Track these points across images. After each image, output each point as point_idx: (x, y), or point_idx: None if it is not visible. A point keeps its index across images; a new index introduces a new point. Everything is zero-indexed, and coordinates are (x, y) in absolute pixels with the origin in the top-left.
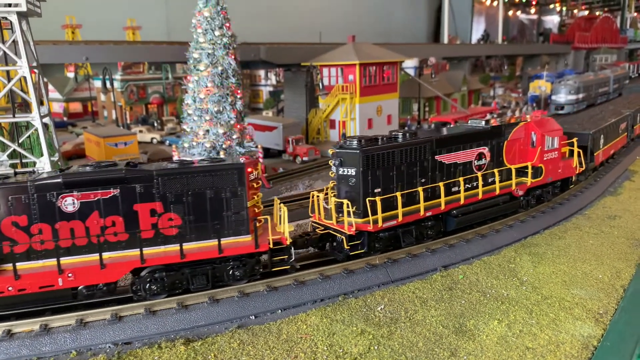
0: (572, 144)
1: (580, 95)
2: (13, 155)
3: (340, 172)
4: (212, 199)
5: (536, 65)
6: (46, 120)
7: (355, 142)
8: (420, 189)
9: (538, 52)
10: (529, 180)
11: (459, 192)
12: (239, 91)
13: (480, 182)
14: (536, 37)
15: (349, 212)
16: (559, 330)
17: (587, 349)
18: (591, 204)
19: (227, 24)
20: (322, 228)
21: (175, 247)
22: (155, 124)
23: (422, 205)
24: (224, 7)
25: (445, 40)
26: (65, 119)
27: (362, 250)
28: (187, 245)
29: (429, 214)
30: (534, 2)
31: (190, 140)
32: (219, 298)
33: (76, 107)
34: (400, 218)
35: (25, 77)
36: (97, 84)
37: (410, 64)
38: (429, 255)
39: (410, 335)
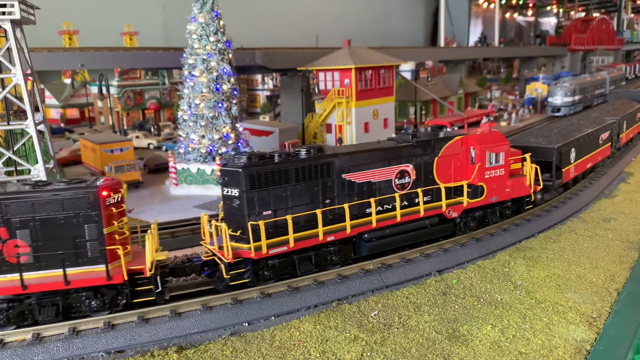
0: (531, 160)
1: (577, 97)
2: (8, 162)
3: (224, 193)
4: (63, 225)
5: (533, 68)
6: (41, 127)
7: (244, 159)
8: (318, 211)
9: (535, 54)
10: (465, 201)
11: (380, 212)
12: (233, 97)
13: (398, 203)
14: (533, 39)
15: (235, 238)
16: (552, 334)
17: (580, 353)
18: (586, 207)
19: (222, 30)
20: (210, 254)
21: (17, 277)
22: (152, 130)
23: (320, 229)
24: (219, 13)
25: (442, 43)
26: (62, 125)
27: (246, 280)
28: (31, 275)
29: (330, 238)
30: (530, 5)
31: (185, 145)
32: (212, 305)
33: (73, 113)
34: (291, 244)
35: (19, 85)
36: (94, 90)
37: (406, 68)
38: (423, 260)
39: (404, 341)
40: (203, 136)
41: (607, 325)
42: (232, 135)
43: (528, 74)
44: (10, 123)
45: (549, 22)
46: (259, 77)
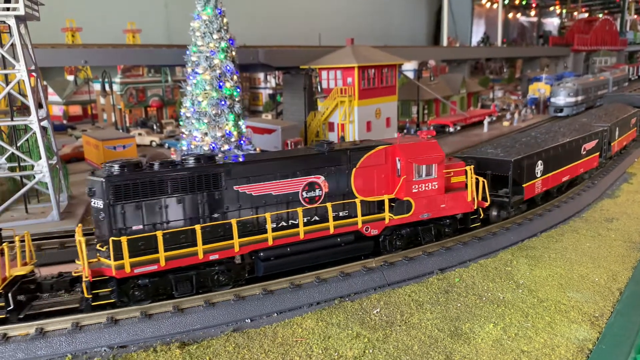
0: (488, 174)
1: (580, 98)
2: (11, 158)
3: (92, 204)
4: None
5: (536, 68)
6: (44, 123)
7: (115, 167)
8: (197, 227)
9: (538, 54)
10: (386, 217)
11: (280, 229)
12: (236, 94)
13: (301, 219)
14: (536, 39)
15: (104, 254)
16: (555, 333)
17: (583, 352)
18: (589, 207)
19: (226, 27)
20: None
21: None
22: (155, 127)
23: (200, 247)
24: (223, 10)
25: (445, 42)
26: (64, 122)
27: (112, 301)
28: None
29: (214, 257)
30: (533, 5)
31: (188, 143)
32: (215, 301)
33: (76, 110)
34: (162, 262)
35: (23, 81)
36: (97, 87)
37: (409, 67)
38: (425, 258)
39: (406, 339)
40: (206, 134)
41: (609, 324)
42: (235, 133)
43: (531, 74)
44: (14, 119)
45: (552, 23)
46: (261, 75)
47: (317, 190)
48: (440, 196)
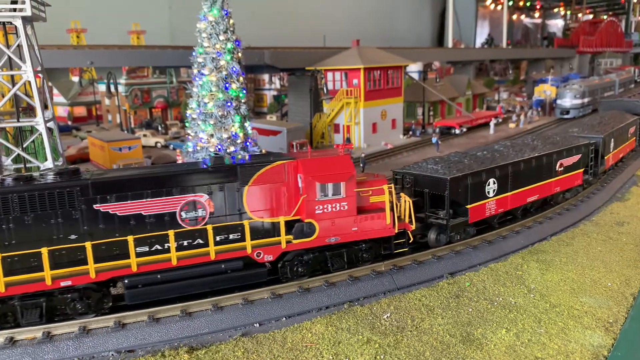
0: (426, 193)
1: (586, 100)
2: (17, 159)
3: None
4: None
5: (541, 69)
6: (50, 124)
7: None
8: (44, 250)
9: (542, 56)
10: (283, 241)
11: (148, 253)
12: (242, 95)
13: (173, 243)
14: (540, 41)
15: None
16: (569, 339)
17: (598, 359)
18: (598, 210)
19: (232, 29)
20: None
21: None
22: (160, 128)
23: (47, 272)
24: (229, 12)
25: (450, 44)
26: (69, 123)
27: None
28: None
29: (66, 283)
30: (538, 6)
31: (194, 144)
32: (223, 305)
33: (81, 111)
34: (1, 288)
35: (29, 82)
36: (102, 88)
37: (414, 68)
38: (435, 262)
39: (417, 345)
40: (212, 135)
41: (624, 330)
42: (241, 135)
43: (536, 75)
44: (20, 120)
45: (556, 24)
46: (266, 76)
47: (199, 210)
48: (351, 218)
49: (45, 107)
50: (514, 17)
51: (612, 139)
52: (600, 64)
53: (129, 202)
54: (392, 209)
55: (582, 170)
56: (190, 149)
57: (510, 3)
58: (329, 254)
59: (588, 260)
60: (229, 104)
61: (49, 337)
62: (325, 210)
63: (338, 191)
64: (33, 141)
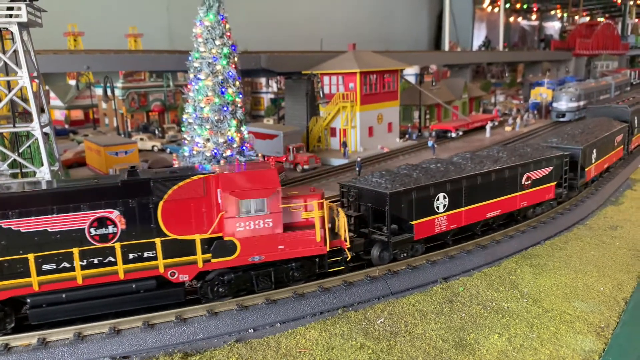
0: (367, 207)
1: (582, 103)
2: (13, 164)
3: None
4: None
5: (537, 72)
6: (46, 129)
7: None
8: None
9: (539, 58)
10: (199, 260)
11: (56, 271)
12: (238, 100)
13: (78, 261)
14: (537, 43)
15: None
16: (560, 344)
17: None
18: (592, 214)
19: (228, 34)
20: None
21: None
22: (156, 132)
23: None
24: (225, 17)
25: (446, 47)
26: (66, 126)
27: None
28: None
29: None
30: (534, 9)
31: (190, 149)
32: (218, 311)
33: (78, 114)
34: None
35: (25, 87)
36: (99, 91)
37: (411, 72)
38: (429, 267)
39: (410, 350)
40: (208, 139)
41: (615, 335)
42: (237, 139)
43: (532, 78)
44: (16, 125)
45: (553, 27)
46: (263, 80)
47: (109, 227)
48: (276, 236)
49: (41, 111)
50: (511, 19)
51: (595, 149)
52: (597, 67)
53: (34, 218)
54: (323, 226)
55: (554, 183)
56: (186, 154)
57: (507, 5)
58: (254, 273)
59: (581, 264)
60: (225, 108)
61: (43, 344)
62: (247, 227)
63: (261, 207)
64: (29, 146)
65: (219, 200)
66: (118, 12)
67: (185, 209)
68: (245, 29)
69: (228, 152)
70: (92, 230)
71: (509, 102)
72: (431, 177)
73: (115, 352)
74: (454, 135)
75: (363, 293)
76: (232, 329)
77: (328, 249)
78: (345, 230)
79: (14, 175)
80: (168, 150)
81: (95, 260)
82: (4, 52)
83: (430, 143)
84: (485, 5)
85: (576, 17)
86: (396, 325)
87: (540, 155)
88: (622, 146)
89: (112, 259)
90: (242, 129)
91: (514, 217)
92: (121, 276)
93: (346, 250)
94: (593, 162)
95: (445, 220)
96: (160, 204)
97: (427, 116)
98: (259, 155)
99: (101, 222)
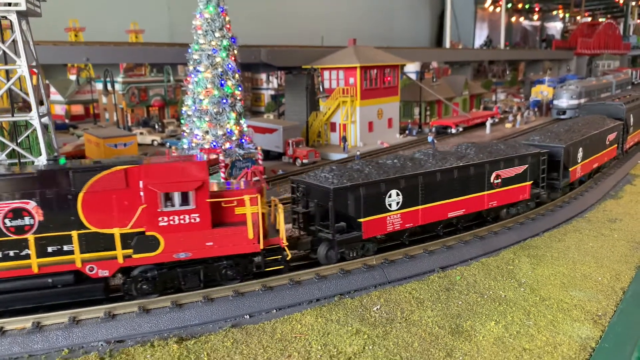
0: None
1: (583, 100)
2: (12, 155)
3: None
4: None
5: (538, 71)
6: (45, 120)
7: None
8: None
9: (540, 57)
10: (119, 255)
11: None
12: (238, 92)
13: None
14: (539, 43)
15: None
16: (557, 331)
17: (585, 350)
18: (592, 207)
19: (228, 26)
20: None
21: None
22: (156, 127)
23: None
24: (225, 9)
25: (448, 45)
26: (66, 121)
27: None
28: None
29: None
30: (536, 9)
31: (189, 141)
32: (214, 297)
33: (78, 109)
34: None
35: (24, 77)
36: (99, 86)
37: (412, 68)
38: (426, 256)
39: (406, 336)
40: (207, 132)
41: (612, 323)
42: (236, 132)
43: (534, 77)
44: (15, 115)
45: (555, 27)
46: (263, 76)
47: (26, 219)
48: (204, 232)
49: (40, 102)
50: (513, 19)
51: (581, 148)
52: (598, 66)
53: None
54: (257, 223)
55: (529, 183)
56: (185, 146)
57: (509, 5)
58: (181, 270)
59: (579, 255)
60: (224, 101)
61: (38, 327)
62: (171, 222)
63: (186, 201)
64: (28, 136)
65: (141, 193)
66: (119, 8)
67: (106, 201)
68: (246, 23)
69: (227, 145)
70: (7, 221)
71: (509, 100)
72: (384, 173)
73: (110, 336)
74: (454, 131)
75: (360, 281)
76: (228, 314)
77: (262, 247)
78: (282, 228)
79: (13, 165)
80: (168, 144)
81: (11, 253)
82: (3, 42)
83: (430, 139)
84: (486, 5)
85: (578, 17)
86: (392, 312)
87: (513, 152)
88: (616, 145)
89: (29, 252)
90: (241, 121)
91: (484, 217)
92: (35, 270)
93: (286, 249)
94: (579, 161)
95: (398, 219)
96: (80, 195)
97: (428, 112)
98: (259, 149)
99: (17, 213)
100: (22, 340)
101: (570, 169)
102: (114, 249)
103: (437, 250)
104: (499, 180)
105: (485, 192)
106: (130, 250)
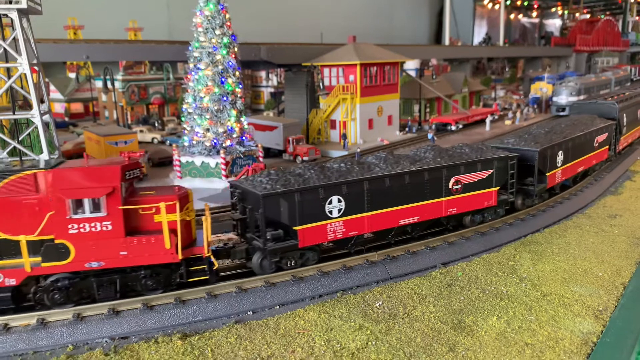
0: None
1: (582, 97)
2: (13, 152)
3: None
4: None
5: (537, 68)
6: (46, 118)
7: None
8: None
9: (539, 54)
10: (26, 263)
11: None
12: (238, 90)
13: None
14: (538, 40)
15: None
16: (559, 326)
17: (587, 345)
18: (592, 203)
19: (228, 23)
20: None
21: None
22: (156, 124)
23: None
24: (225, 6)
25: (447, 42)
26: (66, 119)
27: None
28: None
29: None
30: (535, 6)
31: (190, 138)
32: (217, 293)
33: (77, 107)
34: None
35: (25, 75)
36: (99, 84)
37: (411, 65)
38: (428, 253)
39: (409, 331)
40: (208, 129)
41: (613, 318)
42: (237, 129)
43: (533, 74)
44: (16, 113)
45: (554, 24)
46: (263, 73)
47: None
48: (117, 240)
49: (41, 100)
50: (512, 16)
51: (561, 151)
52: (597, 63)
53: None
54: (175, 231)
55: (495, 189)
56: (186, 143)
57: (508, 2)
58: (95, 280)
59: (580, 251)
60: (224, 98)
61: (43, 324)
62: (82, 229)
63: (97, 208)
64: (29, 134)
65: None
66: (119, 7)
67: (15, 207)
68: (246, 21)
69: (228, 142)
70: None
71: (509, 97)
72: (325, 178)
73: (114, 333)
74: (453, 128)
75: (362, 277)
76: (231, 311)
77: (181, 258)
78: (207, 237)
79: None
80: (168, 142)
81: None
82: (4, 39)
83: (430, 136)
84: (486, 2)
85: (577, 14)
86: (395, 308)
87: (477, 156)
88: (607, 147)
89: None
90: (242, 119)
91: (445, 225)
92: None
93: (213, 259)
94: (559, 165)
95: (341, 226)
96: None
97: (427, 109)
98: (259, 146)
99: None
100: (26, 336)
101: (547, 174)
102: (20, 257)
103: (439, 247)
104: (459, 186)
105: (443, 199)
106: (39, 259)
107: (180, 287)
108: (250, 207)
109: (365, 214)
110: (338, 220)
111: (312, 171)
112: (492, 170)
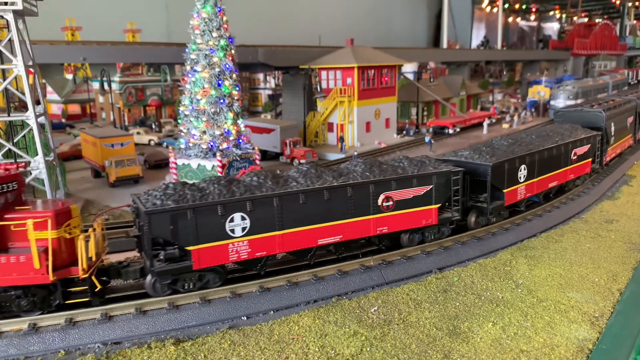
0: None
1: (579, 101)
2: (8, 154)
3: None
4: None
5: (535, 71)
6: (42, 119)
7: None
8: None
9: (537, 58)
10: None
11: None
12: (235, 92)
13: None
14: (536, 43)
15: None
16: (554, 333)
17: (583, 351)
18: (588, 208)
19: (225, 26)
20: None
21: None
22: (153, 126)
23: None
24: (222, 9)
25: (445, 46)
26: (63, 120)
27: None
28: None
29: None
30: (533, 9)
31: (186, 141)
32: (211, 298)
33: (74, 109)
34: None
35: (21, 76)
36: (96, 85)
37: (409, 68)
38: (423, 258)
39: (404, 337)
40: (204, 132)
41: (609, 324)
42: (234, 132)
43: (530, 77)
44: (11, 114)
45: (552, 27)
46: (260, 76)
47: None
48: None
49: (37, 102)
50: (510, 20)
51: (524, 165)
52: (595, 67)
53: None
54: (46, 250)
55: (436, 206)
56: (182, 146)
57: (506, 6)
58: None
59: (576, 256)
60: (221, 100)
61: (34, 329)
62: None
63: None
64: (24, 136)
65: None
66: (117, 9)
67: None
68: (243, 23)
69: (224, 145)
70: None
71: (506, 100)
72: (228, 193)
73: (106, 338)
74: (451, 131)
75: (357, 282)
76: (225, 316)
77: (53, 279)
78: (81, 257)
79: None
80: (165, 144)
81: None
82: None
83: (427, 139)
84: (484, 5)
85: (575, 18)
86: (390, 314)
87: (414, 171)
88: (590, 159)
89: None
90: (239, 121)
91: (377, 245)
92: None
93: (94, 279)
94: (521, 180)
95: (246, 246)
96: None
97: (425, 113)
98: (256, 149)
99: None
100: (18, 341)
101: (504, 190)
102: None
103: (435, 252)
104: (390, 203)
105: (372, 216)
106: None
107: (69, 308)
108: (141, 224)
109: (277, 232)
110: (242, 240)
111: (216, 185)
112: (431, 186)
